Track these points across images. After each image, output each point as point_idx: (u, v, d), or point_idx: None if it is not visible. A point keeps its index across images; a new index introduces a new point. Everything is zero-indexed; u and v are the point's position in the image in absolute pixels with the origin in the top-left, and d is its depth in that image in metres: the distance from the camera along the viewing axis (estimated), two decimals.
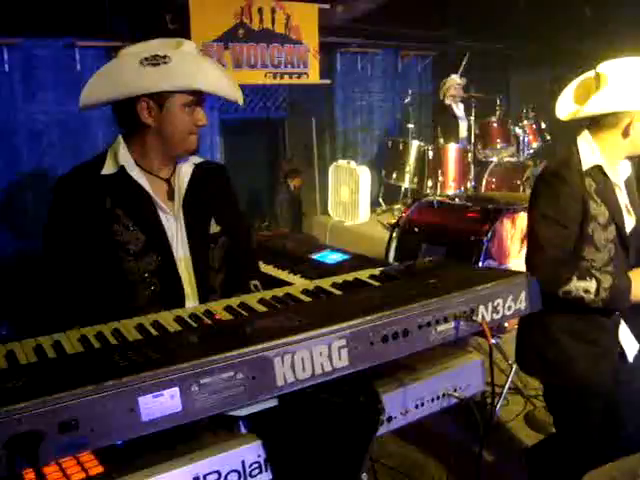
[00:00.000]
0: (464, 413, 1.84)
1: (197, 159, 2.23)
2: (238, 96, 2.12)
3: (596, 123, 2.49)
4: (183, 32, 6.33)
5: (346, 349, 1.41)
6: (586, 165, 2.44)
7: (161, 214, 2.09)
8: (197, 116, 2.07)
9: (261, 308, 1.69)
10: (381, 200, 7.72)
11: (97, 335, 1.56)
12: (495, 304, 1.69)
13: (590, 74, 2.56)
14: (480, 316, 1.65)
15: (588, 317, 2.47)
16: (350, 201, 7.23)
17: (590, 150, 2.46)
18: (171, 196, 2.14)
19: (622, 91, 2.39)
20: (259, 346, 1.32)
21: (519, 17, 8.35)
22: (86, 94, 2.00)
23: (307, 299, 1.74)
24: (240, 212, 2.45)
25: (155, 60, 1.92)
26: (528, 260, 2.52)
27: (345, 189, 7.25)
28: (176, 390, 1.24)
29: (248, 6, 7.15)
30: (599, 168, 2.45)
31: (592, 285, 2.34)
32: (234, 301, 1.76)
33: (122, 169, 2.05)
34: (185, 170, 2.17)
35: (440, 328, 1.57)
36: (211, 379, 1.27)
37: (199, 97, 2.05)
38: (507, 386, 4.15)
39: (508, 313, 1.73)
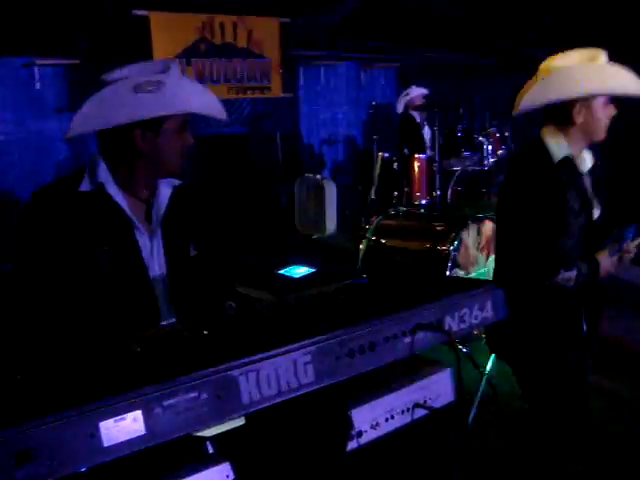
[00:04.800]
0: (436, 425, 1.83)
1: (176, 181, 2.21)
2: (224, 114, 2.11)
3: (548, 117, 2.59)
4: (144, 49, 6.30)
5: (312, 365, 1.39)
6: (556, 157, 2.52)
7: (137, 235, 2.07)
8: (186, 138, 2.08)
9: (225, 326, 1.66)
10: (348, 212, 7.73)
11: (57, 359, 1.52)
12: (462, 314, 1.69)
13: None
14: (447, 326, 1.65)
15: (561, 304, 2.55)
16: (317, 214, 7.22)
17: (557, 143, 2.54)
18: (149, 217, 2.12)
19: (552, 83, 2.51)
20: (223, 365, 1.29)
21: (481, 27, 8.45)
22: (78, 124, 1.95)
23: (271, 315, 1.72)
24: (222, 234, 2.44)
25: (149, 86, 1.91)
26: (510, 255, 2.60)
27: (311, 203, 7.24)
28: (139, 413, 1.21)
29: (209, 21, 7.15)
30: (568, 159, 2.53)
31: (573, 274, 2.46)
32: (199, 320, 1.73)
33: (100, 187, 2.02)
34: (165, 191, 2.15)
35: (407, 340, 1.56)
36: (175, 400, 1.24)
37: (187, 119, 2.06)
38: (479, 395, 4.14)
39: (475, 322, 1.73)
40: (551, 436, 2.65)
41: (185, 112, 2.02)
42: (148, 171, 2.07)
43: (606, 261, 2.52)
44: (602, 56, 2.50)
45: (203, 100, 2.05)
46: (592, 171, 2.66)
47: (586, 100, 2.47)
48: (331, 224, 7.21)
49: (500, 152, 7.50)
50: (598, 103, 2.49)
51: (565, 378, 2.60)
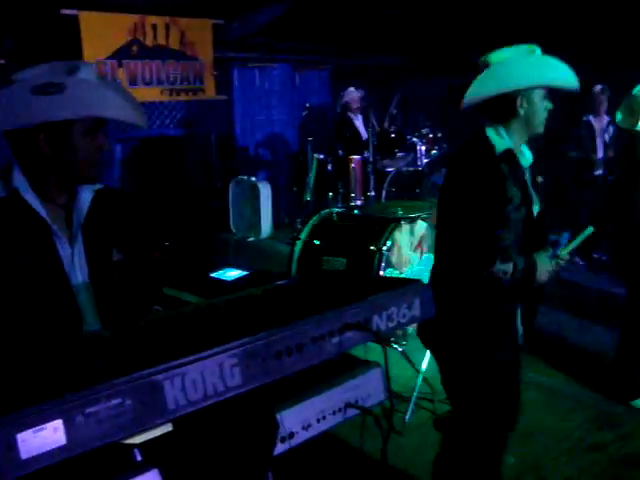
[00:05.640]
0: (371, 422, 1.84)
1: (98, 185, 2.13)
2: (142, 120, 2.01)
3: (488, 111, 2.59)
4: (74, 50, 6.17)
5: (238, 368, 1.38)
6: (499, 149, 2.53)
7: (57, 241, 2.00)
8: (99, 142, 1.98)
9: (151, 331, 1.64)
10: (283, 214, 7.73)
11: None
12: (389, 313, 1.70)
13: None
14: (375, 325, 1.66)
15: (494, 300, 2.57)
16: (252, 217, 7.19)
17: (499, 135, 2.55)
18: (69, 223, 2.05)
19: (494, 75, 2.54)
20: (147, 370, 1.27)
21: (414, 29, 8.56)
22: None
23: (198, 318, 1.70)
24: (148, 239, 2.37)
25: (49, 88, 1.81)
26: (449, 248, 2.59)
27: (246, 205, 7.21)
28: (59, 422, 1.18)
29: (142, 22, 7.05)
30: (510, 151, 2.54)
31: (510, 267, 2.48)
32: (123, 326, 1.70)
33: (15, 193, 1.95)
34: (85, 196, 2.07)
35: (335, 340, 1.56)
36: (97, 408, 1.21)
37: (100, 122, 1.96)
38: (416, 393, 4.17)
39: (403, 321, 1.74)
40: (478, 431, 2.68)
41: (85, 117, 1.90)
42: (59, 177, 1.99)
43: (544, 263, 2.56)
44: (538, 50, 2.56)
45: (112, 106, 1.92)
46: (531, 167, 2.69)
47: (527, 92, 2.50)
48: (266, 226, 7.19)
49: (433, 152, 7.62)
50: (538, 95, 2.53)
51: (488, 376, 2.62)
